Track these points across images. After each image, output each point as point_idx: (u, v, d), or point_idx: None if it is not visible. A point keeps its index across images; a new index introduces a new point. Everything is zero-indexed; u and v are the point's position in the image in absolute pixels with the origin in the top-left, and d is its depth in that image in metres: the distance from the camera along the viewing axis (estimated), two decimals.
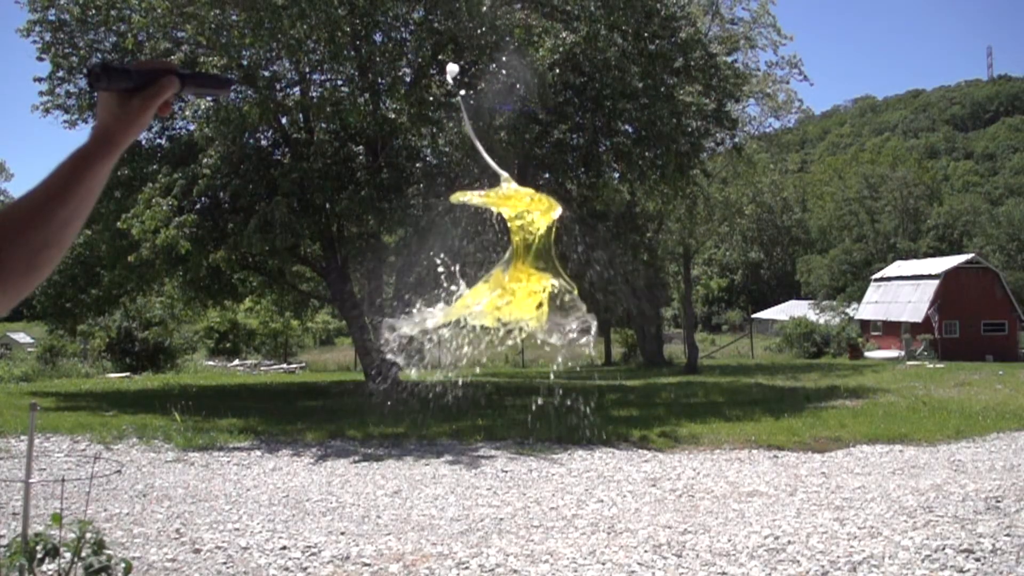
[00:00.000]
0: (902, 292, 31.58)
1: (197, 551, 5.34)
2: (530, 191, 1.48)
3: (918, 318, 29.09)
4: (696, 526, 5.85)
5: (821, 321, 35.63)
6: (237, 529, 5.93)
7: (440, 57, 14.37)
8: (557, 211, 1.43)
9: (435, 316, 1.45)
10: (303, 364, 29.19)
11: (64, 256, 1.21)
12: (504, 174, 1.48)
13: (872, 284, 35.06)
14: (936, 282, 29.79)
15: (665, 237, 26.88)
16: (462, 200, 1.49)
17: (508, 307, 1.42)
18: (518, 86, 13.12)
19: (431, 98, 14.12)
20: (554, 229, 1.43)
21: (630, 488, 7.45)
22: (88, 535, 3.82)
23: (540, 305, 1.43)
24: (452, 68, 1.81)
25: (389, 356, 1.51)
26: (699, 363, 25.43)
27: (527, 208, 1.44)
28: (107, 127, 1.18)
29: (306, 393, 16.64)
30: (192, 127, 15.27)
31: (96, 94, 1.19)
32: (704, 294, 55.62)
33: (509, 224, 1.44)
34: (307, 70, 15.53)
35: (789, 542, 5.30)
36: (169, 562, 5.10)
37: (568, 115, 15.86)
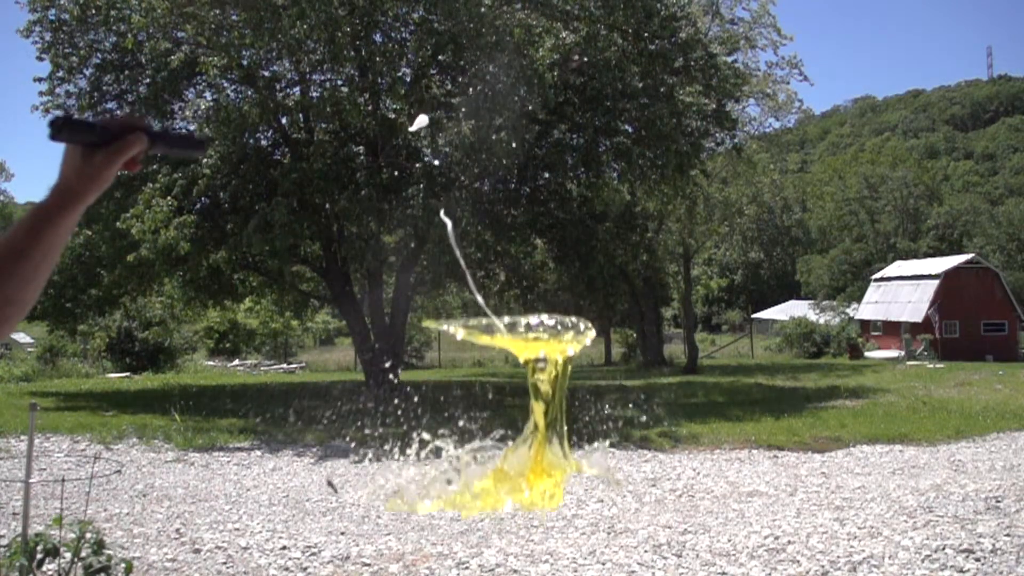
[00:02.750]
0: (902, 292, 31.57)
1: (197, 551, 5.33)
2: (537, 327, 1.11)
3: (918, 318, 29.08)
4: (696, 526, 5.85)
5: (821, 321, 35.61)
6: (237, 529, 5.93)
7: (440, 57, 14.37)
8: (586, 337, 1.10)
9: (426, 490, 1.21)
10: (303, 364, 29.18)
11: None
12: (498, 323, 1.09)
13: (872, 284, 35.03)
14: (936, 282, 29.77)
15: (665, 237, 26.86)
16: (451, 330, 1.10)
17: (518, 496, 1.14)
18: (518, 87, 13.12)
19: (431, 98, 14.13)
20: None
21: (630, 488, 7.45)
22: (88, 535, 3.82)
23: (554, 496, 1.14)
24: (422, 119, 1.73)
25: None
26: (699, 363, 25.43)
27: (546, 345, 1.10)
28: (68, 182, 1.14)
29: (306, 393, 16.63)
30: (192, 127, 15.27)
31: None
32: (704, 294, 55.55)
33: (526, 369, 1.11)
34: (307, 70, 15.52)
35: (789, 542, 5.30)
36: (169, 562, 5.10)
37: (568, 115, 15.85)
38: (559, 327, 1.10)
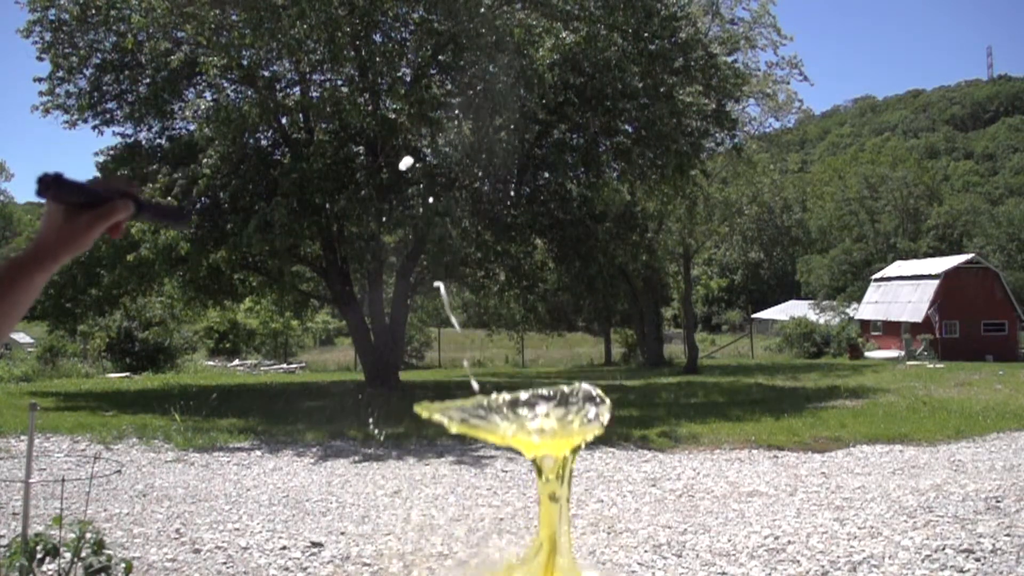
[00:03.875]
0: (902, 292, 31.56)
1: (197, 551, 5.34)
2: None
3: (918, 318, 29.08)
4: (696, 526, 5.85)
5: (821, 321, 35.61)
6: (237, 529, 5.93)
7: (440, 57, 14.37)
8: (603, 418, 0.94)
9: None
10: (303, 364, 29.18)
11: None
12: (490, 401, 0.95)
13: (872, 284, 35.02)
14: (936, 282, 29.77)
15: (665, 237, 26.85)
16: (438, 418, 0.94)
17: None
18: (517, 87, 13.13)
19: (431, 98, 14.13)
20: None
21: (630, 488, 7.45)
22: (88, 535, 3.82)
23: None
24: (407, 161, 1.73)
25: None
26: (699, 363, 25.42)
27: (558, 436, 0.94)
28: (46, 240, 1.12)
29: (306, 393, 16.64)
30: (192, 127, 15.27)
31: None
32: (704, 294, 55.55)
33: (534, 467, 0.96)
34: (307, 70, 15.53)
35: (789, 542, 5.30)
36: (169, 562, 5.10)
37: (568, 115, 15.85)
38: (568, 404, 0.95)
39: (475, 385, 0.98)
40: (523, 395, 0.95)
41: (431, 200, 13.46)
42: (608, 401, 0.94)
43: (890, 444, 9.49)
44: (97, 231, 1.15)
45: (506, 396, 0.95)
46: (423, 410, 0.95)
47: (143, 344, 24.62)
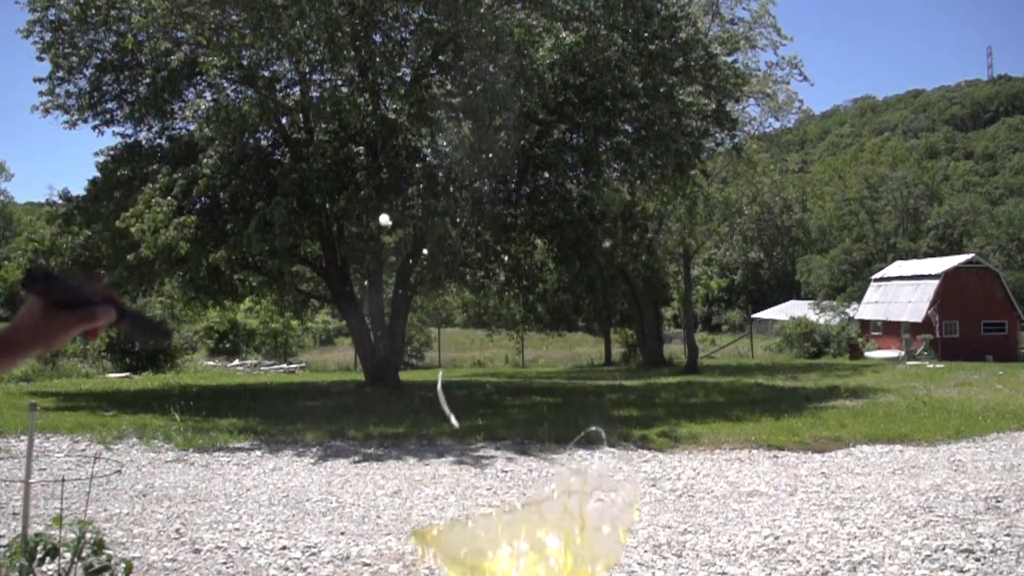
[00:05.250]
0: (902, 292, 31.56)
1: (197, 551, 5.34)
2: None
3: (918, 318, 29.07)
4: (696, 526, 5.85)
5: (821, 321, 35.60)
6: (237, 529, 5.93)
7: (440, 57, 14.37)
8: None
9: None
10: (303, 364, 29.18)
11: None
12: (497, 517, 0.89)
13: (872, 284, 35.02)
14: (936, 282, 29.76)
15: (665, 237, 26.85)
16: None
17: None
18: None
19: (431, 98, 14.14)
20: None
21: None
22: (88, 535, 3.82)
23: None
24: (384, 219, 1.74)
25: None
26: (699, 363, 25.41)
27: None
28: (19, 332, 1.11)
29: (306, 393, 16.64)
30: (192, 127, 15.27)
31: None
32: (704, 294, 55.56)
33: None
34: (307, 70, 15.53)
35: (789, 542, 5.30)
36: (169, 562, 5.10)
37: (568, 115, 15.85)
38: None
39: (453, 422, 0.98)
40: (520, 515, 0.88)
41: (431, 200, 13.47)
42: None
43: (890, 444, 9.49)
44: (74, 332, 1.13)
45: (506, 517, 0.89)
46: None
47: (143, 344, 24.62)
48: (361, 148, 15.37)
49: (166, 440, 9.88)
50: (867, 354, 29.38)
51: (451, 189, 14.27)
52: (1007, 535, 5.25)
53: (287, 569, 4.98)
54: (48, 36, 15.72)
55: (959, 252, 41.93)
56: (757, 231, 59.20)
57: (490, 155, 13.49)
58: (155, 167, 14.80)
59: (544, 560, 0.96)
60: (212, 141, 13.84)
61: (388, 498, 7.11)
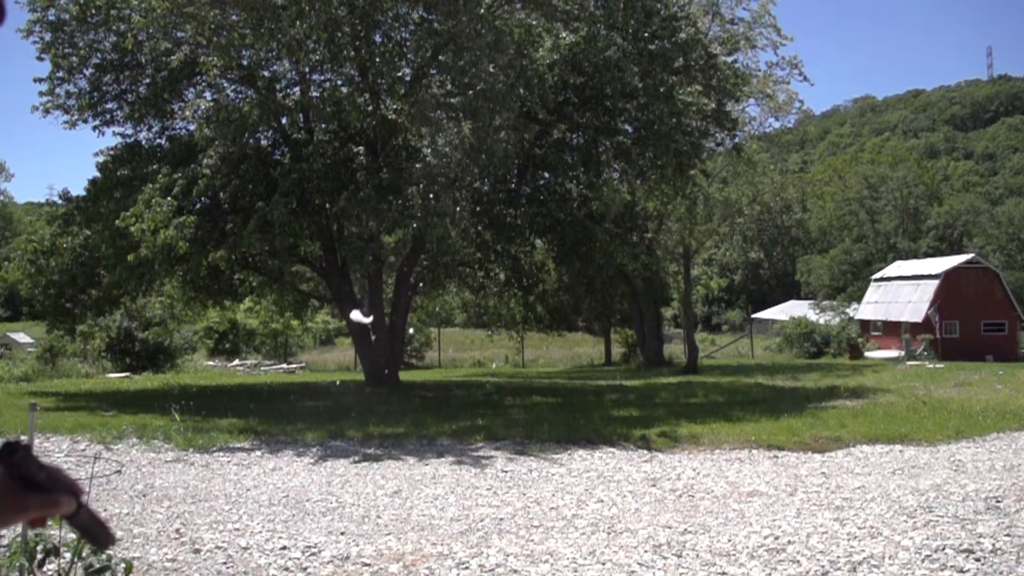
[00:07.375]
0: (902, 292, 31.55)
1: (197, 551, 5.33)
2: None
3: (918, 318, 29.06)
4: (696, 526, 5.85)
5: (821, 321, 35.59)
6: (237, 529, 5.93)
7: (440, 57, 14.37)
8: None
9: None
10: (303, 364, 29.19)
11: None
12: None
13: (872, 284, 35.01)
14: (936, 282, 29.75)
15: (665, 237, 26.84)
16: None
17: None
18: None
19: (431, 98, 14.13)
20: None
21: (630, 488, 7.44)
22: None
23: None
24: (356, 315, 1.75)
25: None
26: (699, 363, 25.42)
27: None
28: None
29: (306, 393, 16.64)
30: (192, 127, 15.27)
31: None
32: (704, 294, 55.52)
33: None
34: (307, 70, 15.52)
35: (789, 542, 5.30)
36: (169, 562, 5.10)
37: (568, 115, 15.84)
38: None
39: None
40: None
41: (431, 200, 13.46)
42: None
43: (890, 444, 9.49)
44: (28, 515, 1.12)
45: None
46: None
47: (143, 344, 24.63)
48: (361, 148, 15.37)
49: (166, 440, 9.88)
50: (867, 354, 29.37)
51: (451, 189, 14.27)
52: (1007, 535, 5.25)
53: (287, 569, 4.98)
54: (48, 36, 15.70)
55: (959, 252, 41.93)
56: (757, 231, 59.20)
57: (490, 155, 13.47)
58: (155, 167, 14.79)
59: None
60: (212, 141, 13.83)
61: (388, 498, 7.11)
